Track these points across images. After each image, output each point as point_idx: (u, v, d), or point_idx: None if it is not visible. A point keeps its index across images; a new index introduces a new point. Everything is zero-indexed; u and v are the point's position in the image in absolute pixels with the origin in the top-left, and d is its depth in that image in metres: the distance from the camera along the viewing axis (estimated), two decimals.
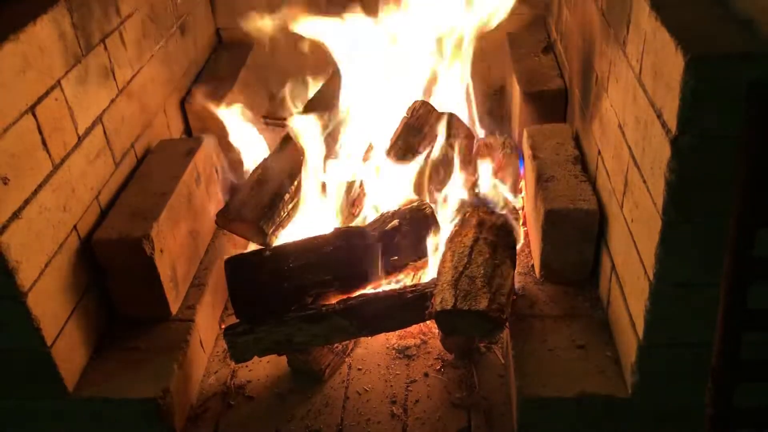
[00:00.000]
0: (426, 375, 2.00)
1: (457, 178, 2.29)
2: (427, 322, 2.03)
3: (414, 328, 2.10)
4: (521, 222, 2.22)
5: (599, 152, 1.91)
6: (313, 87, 2.60)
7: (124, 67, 2.12)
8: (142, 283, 1.91)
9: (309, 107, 2.40)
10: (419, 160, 2.24)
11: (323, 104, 2.40)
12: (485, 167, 2.31)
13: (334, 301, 1.94)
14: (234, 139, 2.47)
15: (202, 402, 1.98)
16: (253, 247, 2.16)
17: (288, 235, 2.14)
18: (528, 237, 2.21)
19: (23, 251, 1.58)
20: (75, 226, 1.81)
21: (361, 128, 2.47)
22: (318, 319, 1.87)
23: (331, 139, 2.37)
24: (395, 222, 2.03)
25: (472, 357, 2.03)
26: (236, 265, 1.94)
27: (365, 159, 2.39)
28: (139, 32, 2.25)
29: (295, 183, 2.18)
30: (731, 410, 1.17)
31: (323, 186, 2.26)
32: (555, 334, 1.82)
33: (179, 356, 1.89)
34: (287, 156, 2.26)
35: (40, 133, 1.67)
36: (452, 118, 2.41)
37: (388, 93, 2.53)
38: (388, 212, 2.10)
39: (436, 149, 2.27)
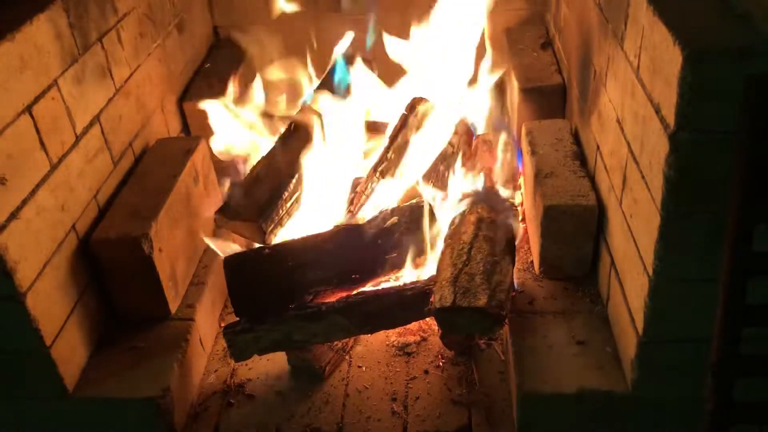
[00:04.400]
0: (426, 372, 2.00)
1: (456, 174, 2.29)
2: (427, 319, 2.03)
3: (414, 326, 2.10)
4: (520, 218, 2.22)
5: (598, 148, 1.91)
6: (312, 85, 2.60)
7: (121, 66, 2.12)
8: (141, 282, 1.90)
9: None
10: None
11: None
12: (484, 164, 2.31)
13: (333, 299, 1.93)
14: (233, 136, 2.46)
15: (203, 401, 1.98)
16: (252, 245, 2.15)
17: (287, 233, 2.13)
18: (527, 233, 2.21)
19: (21, 251, 1.58)
20: (73, 226, 1.81)
21: (359, 126, 2.47)
22: (317, 318, 1.87)
23: (329, 136, 2.37)
24: (394, 219, 2.03)
25: (472, 354, 2.03)
26: (235, 264, 1.94)
27: (366, 157, 2.39)
28: (136, 31, 2.24)
29: (294, 180, 2.18)
30: (731, 405, 1.17)
31: (323, 183, 2.25)
32: (555, 331, 1.82)
33: (179, 355, 1.89)
34: (286, 153, 2.25)
35: (38, 132, 1.67)
36: None
37: (389, 91, 2.54)
38: (387, 209, 2.10)
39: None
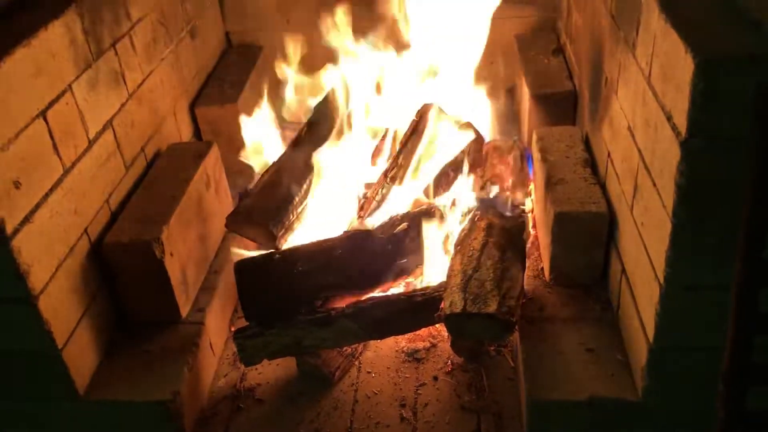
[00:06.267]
0: (435, 378, 2.00)
1: (467, 180, 2.29)
2: (437, 325, 2.03)
3: (423, 332, 2.10)
4: (531, 225, 2.21)
5: (609, 155, 1.91)
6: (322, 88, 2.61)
7: (134, 72, 2.14)
8: (152, 286, 1.91)
9: (315, 113, 2.41)
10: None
11: (330, 109, 2.41)
12: (494, 170, 2.31)
13: (343, 304, 1.94)
14: (244, 141, 2.48)
15: (212, 405, 1.98)
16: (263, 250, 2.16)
17: (297, 238, 2.14)
18: (537, 240, 2.21)
19: (35, 254, 1.59)
20: (86, 230, 1.82)
21: (370, 131, 2.48)
22: (327, 323, 1.87)
23: (339, 142, 2.37)
24: (404, 225, 2.03)
25: (481, 360, 2.03)
26: (246, 269, 1.95)
27: (374, 162, 2.40)
28: (149, 37, 2.26)
29: (305, 186, 2.19)
30: (742, 414, 1.16)
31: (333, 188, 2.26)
32: (565, 338, 1.81)
33: (189, 359, 1.89)
34: (297, 159, 2.26)
35: (51, 137, 1.68)
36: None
37: (397, 96, 2.54)
38: (397, 215, 2.10)
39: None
